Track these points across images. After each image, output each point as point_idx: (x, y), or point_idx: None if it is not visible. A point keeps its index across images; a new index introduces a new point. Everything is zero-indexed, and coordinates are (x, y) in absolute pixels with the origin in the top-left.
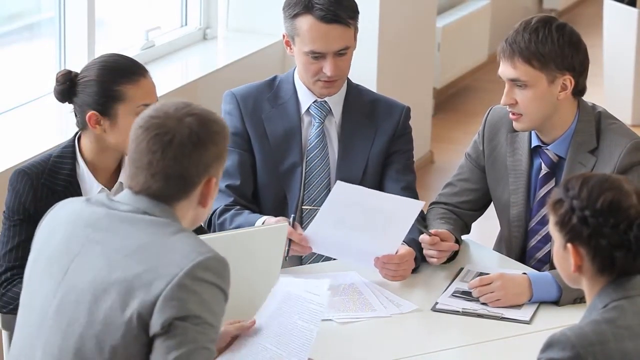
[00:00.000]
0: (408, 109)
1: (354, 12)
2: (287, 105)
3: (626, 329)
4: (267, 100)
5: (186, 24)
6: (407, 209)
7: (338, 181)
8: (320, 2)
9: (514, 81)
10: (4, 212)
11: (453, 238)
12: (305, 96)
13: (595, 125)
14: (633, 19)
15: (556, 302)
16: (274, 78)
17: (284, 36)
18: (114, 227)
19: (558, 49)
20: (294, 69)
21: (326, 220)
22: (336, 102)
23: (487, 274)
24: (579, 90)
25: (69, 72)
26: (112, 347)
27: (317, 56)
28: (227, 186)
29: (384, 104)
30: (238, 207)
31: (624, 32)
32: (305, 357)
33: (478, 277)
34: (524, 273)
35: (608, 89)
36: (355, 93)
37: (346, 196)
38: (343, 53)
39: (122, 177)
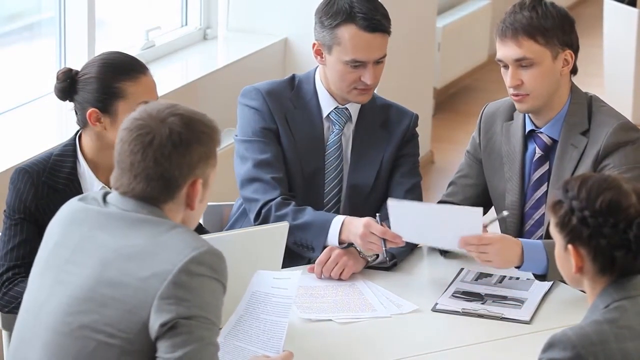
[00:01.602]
0: (417, 117)
1: (389, 20)
2: (309, 106)
3: (627, 329)
4: (289, 99)
5: (186, 24)
6: (469, 218)
7: (389, 199)
8: (363, 10)
9: (519, 61)
10: (4, 210)
11: None
12: (326, 101)
13: (587, 107)
14: (633, 19)
15: (544, 276)
16: (293, 77)
17: (314, 45)
18: (107, 225)
19: (559, 23)
20: (314, 72)
21: (400, 228)
22: (355, 109)
23: (489, 274)
24: (573, 69)
25: (70, 69)
26: (117, 348)
27: (357, 65)
28: (273, 178)
29: (395, 110)
30: (293, 201)
31: (624, 32)
32: (280, 349)
33: (477, 235)
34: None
35: (608, 89)
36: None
37: (404, 210)
38: (381, 61)
39: (111, 180)
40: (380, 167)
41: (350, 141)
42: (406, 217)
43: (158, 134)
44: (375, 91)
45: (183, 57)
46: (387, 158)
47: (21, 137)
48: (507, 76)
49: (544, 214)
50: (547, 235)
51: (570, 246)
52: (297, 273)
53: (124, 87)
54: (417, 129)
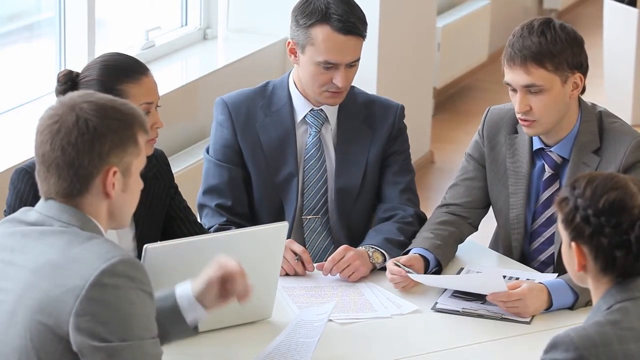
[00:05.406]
0: (402, 108)
1: (365, 23)
2: (281, 112)
3: (630, 331)
4: (260, 108)
5: (186, 24)
6: (491, 279)
7: (413, 274)
8: (339, 12)
9: (527, 87)
10: (4, 211)
11: (421, 264)
12: (300, 104)
13: (598, 124)
14: (633, 19)
15: (570, 307)
16: (267, 84)
17: (289, 43)
18: (22, 246)
19: (568, 47)
20: (288, 75)
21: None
22: (332, 109)
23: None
24: (583, 88)
25: (71, 72)
26: None
27: (330, 67)
28: (217, 205)
29: (379, 105)
30: (233, 226)
31: (624, 32)
32: (309, 356)
33: (505, 292)
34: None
35: (608, 89)
36: (349, 97)
37: (427, 280)
38: (354, 64)
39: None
40: (366, 168)
41: (332, 143)
42: (432, 282)
43: (65, 121)
44: (374, 90)
45: (183, 57)
46: (373, 157)
47: (21, 137)
48: (516, 101)
49: (554, 232)
50: (559, 254)
51: (573, 244)
52: (332, 303)
53: (125, 89)
54: (416, 128)
